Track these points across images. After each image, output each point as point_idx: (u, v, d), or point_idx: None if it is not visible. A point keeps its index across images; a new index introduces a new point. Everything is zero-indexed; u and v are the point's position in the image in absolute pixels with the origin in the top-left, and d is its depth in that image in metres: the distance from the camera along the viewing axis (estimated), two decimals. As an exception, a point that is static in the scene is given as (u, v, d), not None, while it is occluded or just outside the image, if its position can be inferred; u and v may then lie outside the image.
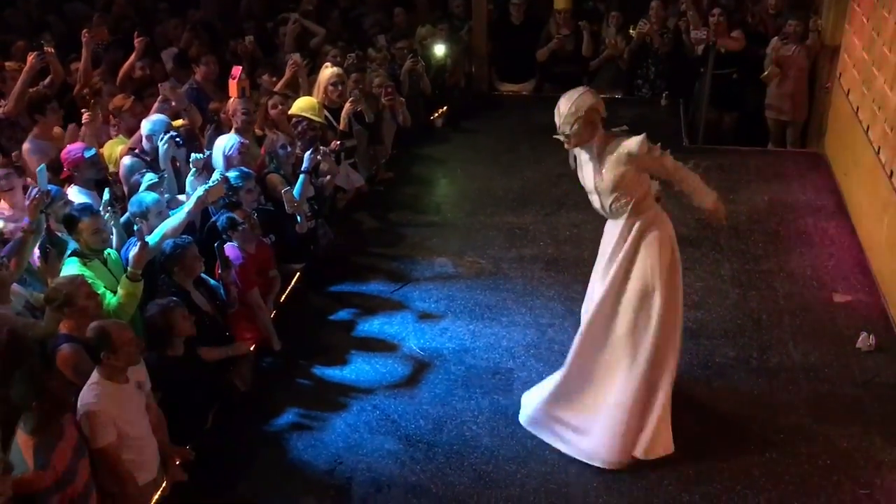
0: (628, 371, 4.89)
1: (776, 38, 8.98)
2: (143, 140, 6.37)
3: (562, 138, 4.76)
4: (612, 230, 4.96)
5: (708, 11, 9.52)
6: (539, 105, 10.46)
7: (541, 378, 5.66)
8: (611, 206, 4.85)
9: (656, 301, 4.81)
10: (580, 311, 6.34)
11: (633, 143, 4.67)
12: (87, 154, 5.89)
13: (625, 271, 4.86)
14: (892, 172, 6.53)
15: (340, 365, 5.93)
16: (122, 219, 5.56)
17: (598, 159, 4.76)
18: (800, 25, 8.86)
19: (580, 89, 4.79)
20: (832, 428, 5.20)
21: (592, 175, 4.83)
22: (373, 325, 6.36)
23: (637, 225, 4.85)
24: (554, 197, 8.23)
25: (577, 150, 4.90)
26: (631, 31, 10.01)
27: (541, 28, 10.46)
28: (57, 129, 6.71)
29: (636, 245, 4.85)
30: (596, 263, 5.13)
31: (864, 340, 5.91)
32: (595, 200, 4.93)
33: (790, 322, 6.23)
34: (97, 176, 5.97)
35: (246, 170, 6.24)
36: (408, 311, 6.53)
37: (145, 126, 6.39)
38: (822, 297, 6.52)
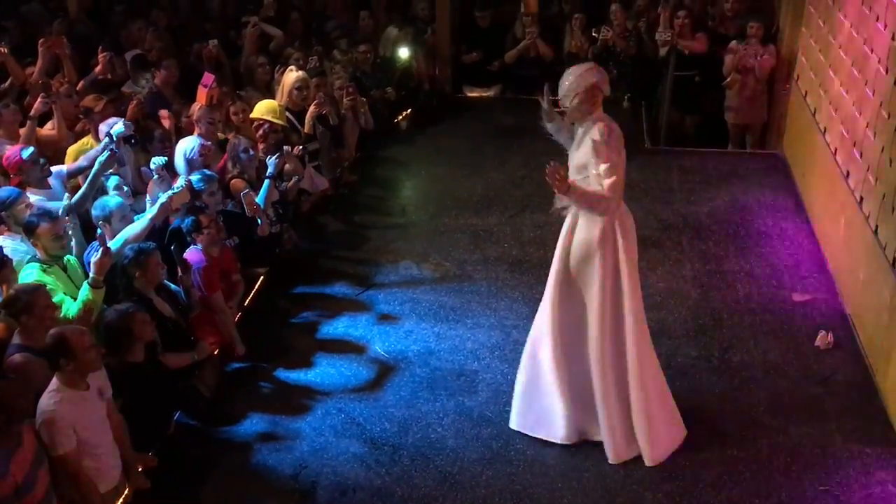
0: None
1: (735, 41, 9.08)
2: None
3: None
4: (574, 220, 4.90)
5: (672, 13, 9.62)
6: (503, 108, 10.53)
7: (506, 380, 5.70)
8: None
9: (625, 296, 4.80)
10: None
11: (597, 130, 4.63)
12: (25, 154, 5.81)
13: (559, 264, 4.91)
14: (848, 173, 6.64)
15: (305, 368, 5.91)
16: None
17: (583, 138, 4.73)
18: (760, 28, 8.97)
19: (586, 65, 4.80)
20: (792, 425, 5.28)
21: (577, 153, 4.79)
22: (337, 328, 6.35)
23: (596, 225, 4.75)
24: (517, 199, 8.27)
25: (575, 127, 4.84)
26: (594, 33, 10.07)
27: (507, 32, 10.51)
28: (21, 130, 6.63)
29: (571, 236, 4.86)
30: (556, 257, 5.02)
31: (823, 339, 6.00)
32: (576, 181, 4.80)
33: (750, 321, 6.31)
34: (44, 174, 5.90)
35: (208, 172, 6.22)
36: (372, 313, 6.52)
37: (102, 131, 6.33)
38: (781, 297, 6.61)
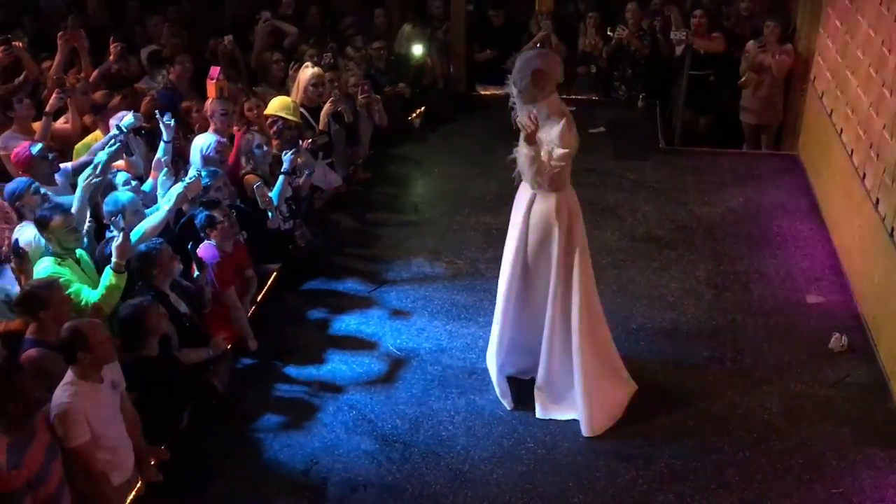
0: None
1: (752, 41, 9.04)
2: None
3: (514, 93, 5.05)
4: (522, 198, 5.24)
5: (689, 12, 9.59)
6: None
7: (517, 378, 5.69)
8: None
9: (575, 272, 5.14)
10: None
11: (563, 121, 4.92)
12: (34, 150, 5.80)
13: (516, 244, 5.23)
14: (864, 175, 6.61)
15: (317, 365, 5.91)
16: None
17: (542, 123, 4.96)
18: (777, 28, 8.92)
19: (534, 50, 5.10)
20: (805, 428, 5.26)
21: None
22: (349, 325, 6.36)
23: (538, 196, 5.12)
24: (531, 198, 8.24)
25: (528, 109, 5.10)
26: (610, 32, 10.05)
27: (521, 30, 10.50)
28: (35, 124, 6.67)
29: (528, 217, 5.17)
30: (509, 235, 5.40)
31: (837, 341, 5.97)
32: None
33: (764, 323, 6.29)
34: (53, 169, 5.91)
35: (212, 168, 6.22)
36: (385, 311, 6.52)
37: (113, 125, 6.34)
38: (795, 299, 6.58)
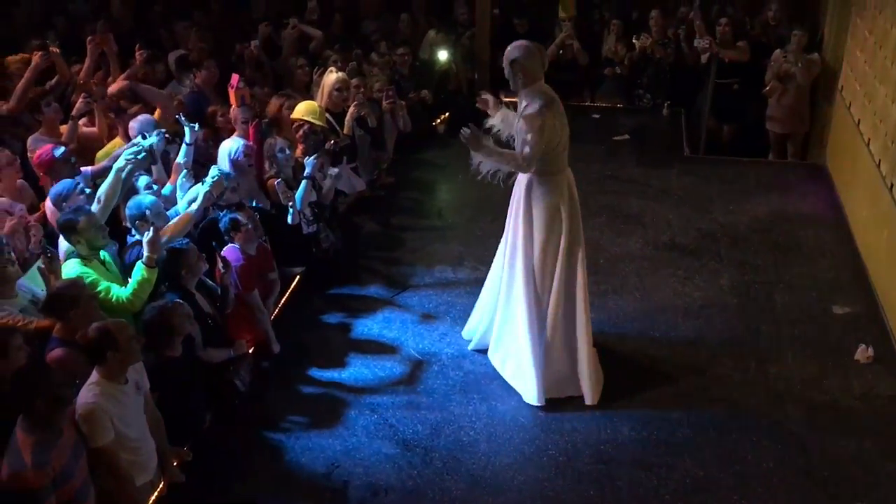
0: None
1: (778, 50, 8.99)
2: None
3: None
4: (519, 183, 5.44)
5: (714, 21, 9.55)
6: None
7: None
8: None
9: (549, 257, 5.36)
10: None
11: (532, 106, 5.10)
12: (58, 153, 5.83)
13: (523, 230, 5.40)
14: (892, 185, 6.54)
15: (339, 368, 5.93)
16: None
17: (523, 111, 5.20)
18: (804, 36, 8.87)
19: (518, 42, 5.24)
20: (829, 439, 5.21)
21: (517, 124, 5.31)
22: (372, 330, 6.37)
23: (536, 181, 5.29)
24: (555, 204, 8.22)
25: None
26: (634, 40, 10.03)
27: (545, 37, 10.50)
28: (62, 127, 6.74)
29: (529, 202, 5.35)
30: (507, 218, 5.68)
31: (863, 352, 5.91)
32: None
33: (789, 333, 6.24)
34: (74, 173, 5.94)
35: (227, 171, 6.25)
36: (407, 315, 6.53)
37: (133, 127, 6.39)
38: (820, 309, 6.52)
